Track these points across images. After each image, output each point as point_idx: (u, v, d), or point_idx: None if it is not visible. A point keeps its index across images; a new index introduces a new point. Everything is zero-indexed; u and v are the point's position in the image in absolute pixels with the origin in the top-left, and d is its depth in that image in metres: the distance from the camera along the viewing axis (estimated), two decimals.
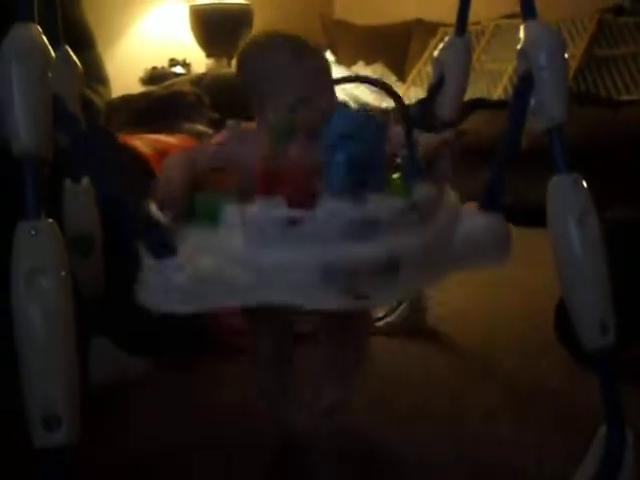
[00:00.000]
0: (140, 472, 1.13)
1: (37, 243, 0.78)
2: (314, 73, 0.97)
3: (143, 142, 1.65)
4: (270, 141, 0.85)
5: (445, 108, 1.32)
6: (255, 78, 1.00)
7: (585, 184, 0.95)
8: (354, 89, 3.37)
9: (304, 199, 0.80)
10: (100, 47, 2.55)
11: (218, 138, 1.01)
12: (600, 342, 0.92)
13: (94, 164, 0.85)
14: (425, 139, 0.99)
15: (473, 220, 0.95)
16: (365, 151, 0.82)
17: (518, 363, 1.49)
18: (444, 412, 1.30)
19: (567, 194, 0.94)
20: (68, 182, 1.31)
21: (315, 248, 0.79)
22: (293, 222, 0.79)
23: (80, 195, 1.30)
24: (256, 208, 0.81)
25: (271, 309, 0.82)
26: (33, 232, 0.78)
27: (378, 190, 0.84)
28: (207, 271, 0.80)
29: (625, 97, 2.89)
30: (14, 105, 0.77)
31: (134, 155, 1.59)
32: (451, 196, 0.99)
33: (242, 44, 1.07)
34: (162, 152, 1.63)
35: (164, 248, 0.81)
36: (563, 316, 1.42)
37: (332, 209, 0.80)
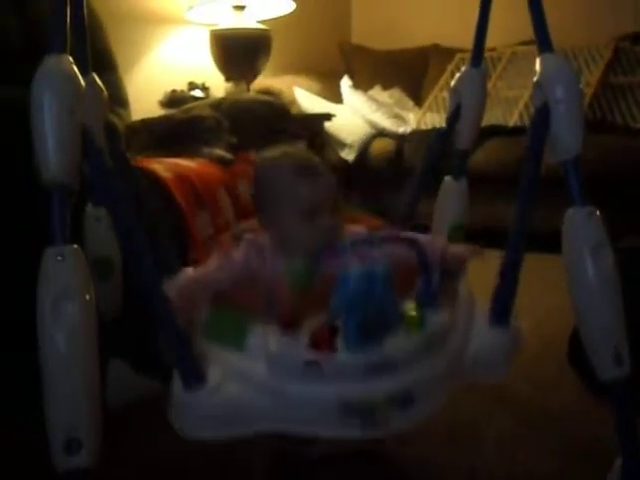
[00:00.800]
0: None
1: (63, 268, 0.80)
2: (318, 191, 1.00)
3: (163, 166, 1.68)
4: (288, 286, 0.91)
5: (461, 137, 1.34)
6: (265, 194, 1.04)
7: (600, 216, 0.96)
8: (371, 114, 3.39)
9: (325, 342, 0.85)
10: (121, 70, 2.59)
11: (238, 254, 1.03)
12: (614, 372, 0.93)
13: (112, 202, 0.88)
14: (443, 246, 1.01)
15: (483, 337, 0.98)
16: (375, 309, 0.86)
17: (533, 389, 1.49)
18: (459, 437, 1.30)
19: (582, 226, 0.95)
20: (89, 206, 1.33)
21: (333, 386, 0.84)
22: (313, 364, 0.84)
23: (101, 219, 1.32)
24: (279, 344, 0.86)
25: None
26: (59, 258, 0.80)
27: (393, 328, 0.88)
28: (235, 402, 0.85)
29: None
30: (46, 135, 0.79)
31: (153, 179, 1.61)
32: (464, 299, 1.01)
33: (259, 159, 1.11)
34: (182, 176, 1.65)
35: (195, 377, 0.85)
36: (577, 346, 1.42)
37: (351, 354, 0.84)
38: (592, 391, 1.38)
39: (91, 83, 1.21)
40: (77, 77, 0.84)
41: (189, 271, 1.10)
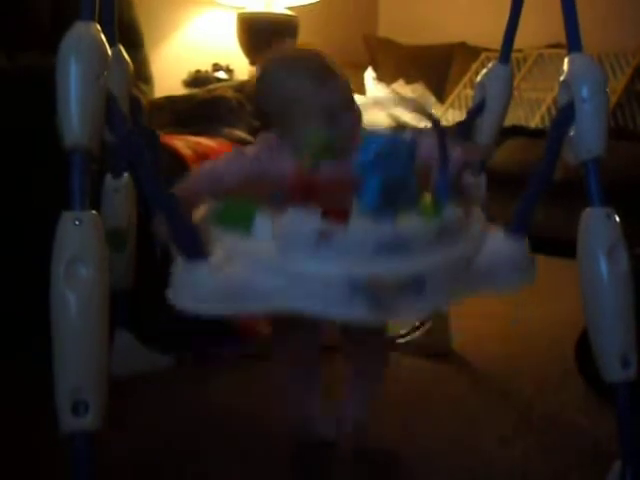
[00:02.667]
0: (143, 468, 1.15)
1: (80, 233, 0.81)
2: (337, 94, 1.00)
3: (184, 143, 1.68)
4: (305, 155, 0.88)
5: (483, 133, 1.33)
6: (280, 100, 1.02)
7: (617, 218, 0.96)
8: (393, 107, 3.38)
9: (337, 211, 0.83)
10: (147, 47, 2.60)
11: (251, 149, 1.04)
12: (620, 375, 0.93)
13: (137, 166, 0.87)
14: (456, 152, 1.00)
15: (497, 244, 0.97)
16: (398, 172, 0.85)
17: (536, 392, 1.49)
18: (457, 434, 1.30)
19: (599, 227, 0.95)
20: (108, 177, 1.34)
21: (345, 262, 0.82)
22: (325, 235, 0.81)
23: (119, 190, 1.33)
24: (288, 218, 0.84)
25: (298, 318, 0.83)
26: (77, 222, 0.80)
27: (409, 207, 0.86)
28: (238, 276, 0.83)
29: None
30: (70, 99, 0.80)
31: (174, 155, 1.62)
32: (478, 216, 1.01)
33: (263, 61, 1.08)
34: (202, 155, 1.66)
35: (197, 250, 0.84)
36: (584, 348, 1.42)
37: (363, 226, 0.83)
38: (597, 394, 1.38)
39: (117, 55, 1.22)
40: (104, 44, 0.84)
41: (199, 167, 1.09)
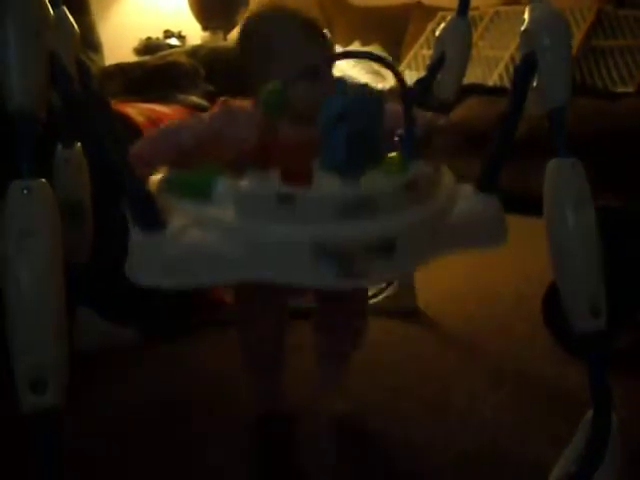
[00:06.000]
0: (115, 440, 1.15)
1: (29, 203, 0.76)
2: (324, 51, 0.97)
3: (136, 110, 1.63)
4: (262, 110, 0.83)
5: (444, 88, 1.30)
6: (262, 51, 0.98)
7: (582, 168, 0.94)
8: (350, 69, 3.35)
9: (299, 174, 0.79)
10: (94, 14, 2.52)
11: (209, 113, 1.00)
12: (591, 325, 0.92)
13: (86, 128, 0.83)
14: (421, 116, 0.98)
15: (469, 201, 0.95)
16: (363, 128, 0.81)
17: (504, 347, 1.50)
18: (429, 393, 1.30)
19: (565, 178, 0.93)
20: (59, 147, 1.29)
21: (308, 226, 0.78)
22: (287, 198, 0.77)
23: (71, 161, 1.28)
24: (249, 181, 0.80)
25: (262, 286, 0.80)
26: (25, 191, 0.76)
27: (375, 162, 0.83)
28: (197, 246, 0.79)
29: (620, 89, 2.88)
30: (11, 61, 0.74)
31: (126, 122, 1.57)
32: (447, 176, 0.99)
33: (247, 14, 1.05)
34: (156, 121, 1.61)
35: (153, 219, 0.80)
36: (551, 303, 1.43)
37: (326, 187, 0.79)
38: (565, 348, 1.39)
39: (61, 17, 1.16)
40: (43, 2, 0.78)
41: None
